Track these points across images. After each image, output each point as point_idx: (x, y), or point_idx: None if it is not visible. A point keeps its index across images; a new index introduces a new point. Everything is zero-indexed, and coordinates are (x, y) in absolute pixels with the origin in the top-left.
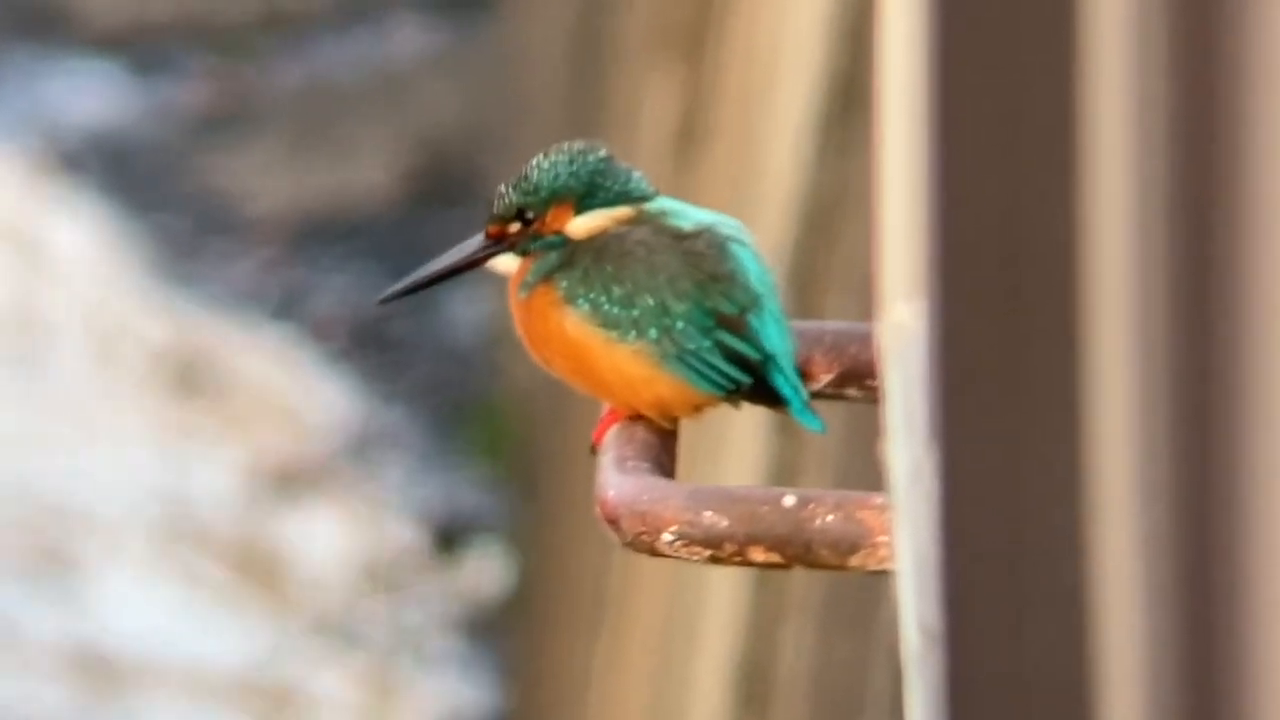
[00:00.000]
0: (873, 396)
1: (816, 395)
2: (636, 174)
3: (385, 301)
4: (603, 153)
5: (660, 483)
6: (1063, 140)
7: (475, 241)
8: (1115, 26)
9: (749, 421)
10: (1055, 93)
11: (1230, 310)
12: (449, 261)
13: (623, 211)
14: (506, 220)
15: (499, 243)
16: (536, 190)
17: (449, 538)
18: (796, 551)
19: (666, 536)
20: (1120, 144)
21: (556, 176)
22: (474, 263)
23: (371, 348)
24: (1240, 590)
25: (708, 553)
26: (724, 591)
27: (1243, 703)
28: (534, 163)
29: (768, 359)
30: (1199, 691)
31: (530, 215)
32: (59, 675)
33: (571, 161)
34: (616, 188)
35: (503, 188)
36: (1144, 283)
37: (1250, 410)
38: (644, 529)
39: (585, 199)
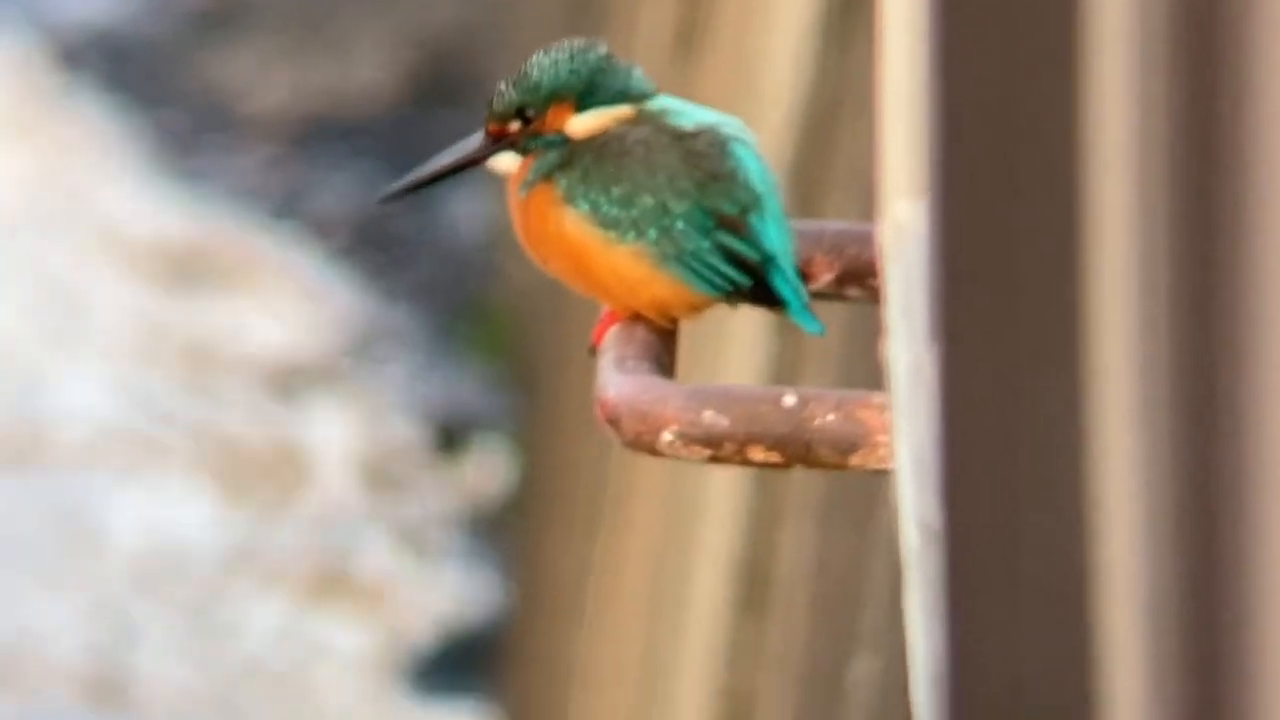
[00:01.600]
0: (873, 296)
1: (817, 295)
2: (637, 72)
3: (385, 200)
4: (603, 50)
5: (660, 382)
6: (1064, 40)
7: (475, 140)
8: None
9: (749, 321)
10: None
11: (1233, 202)
12: (449, 160)
13: (623, 110)
14: (506, 118)
15: (499, 141)
16: (537, 88)
17: (451, 435)
18: (796, 451)
19: (666, 436)
20: (1123, 45)
21: (557, 75)
22: (474, 161)
23: (373, 246)
24: (1240, 494)
25: (707, 452)
26: (723, 490)
27: (1244, 612)
28: (534, 60)
29: (767, 260)
30: (1198, 592)
31: (530, 113)
32: (61, 581)
33: (572, 59)
34: (617, 86)
35: (502, 85)
36: (1145, 180)
37: (1248, 305)
38: (644, 428)
39: (585, 97)
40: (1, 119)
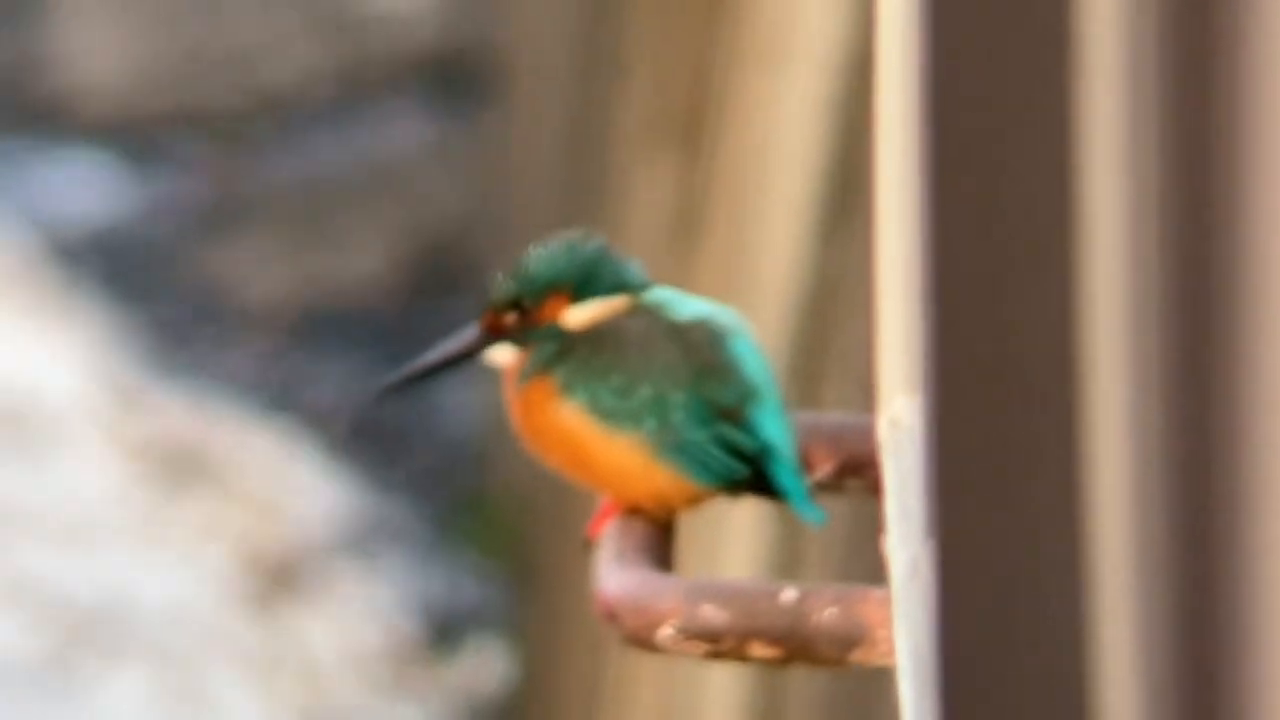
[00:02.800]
0: (873, 488)
1: (816, 487)
2: (633, 264)
3: (382, 394)
4: (599, 243)
5: (658, 577)
6: (1060, 236)
7: (472, 332)
8: (1111, 120)
9: (748, 513)
10: (1052, 185)
11: (1227, 411)
12: (445, 352)
13: (619, 302)
14: (503, 310)
15: (495, 333)
16: (533, 280)
17: (447, 631)
18: (796, 646)
19: (665, 631)
20: (1117, 239)
21: (553, 266)
22: (470, 353)
23: (369, 439)
24: (1244, 679)
25: (706, 647)
26: (723, 687)
27: None
28: (530, 253)
29: (766, 450)
30: None
31: (527, 305)
32: None
33: (568, 251)
34: (613, 278)
35: (499, 277)
36: (1141, 380)
37: (1253, 498)
38: (642, 623)
39: (581, 289)
40: None
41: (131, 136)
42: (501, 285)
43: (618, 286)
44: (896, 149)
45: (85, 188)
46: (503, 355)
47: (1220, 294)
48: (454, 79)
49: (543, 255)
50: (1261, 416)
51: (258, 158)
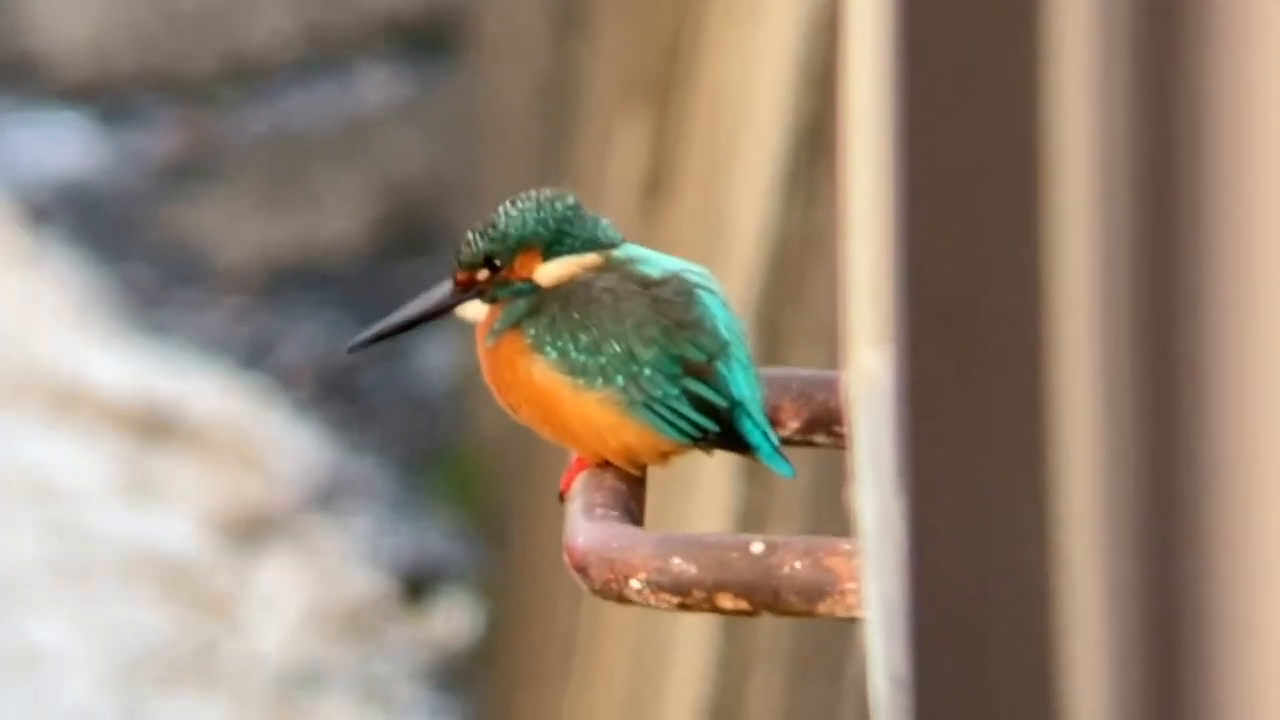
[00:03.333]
0: (840, 443)
1: (784, 442)
2: (604, 221)
3: (354, 350)
4: (570, 200)
5: (628, 530)
6: (1028, 187)
7: (443, 288)
8: (1079, 77)
9: (717, 468)
10: (1020, 140)
11: (1196, 356)
12: (417, 309)
13: (590, 258)
14: (474, 267)
15: (467, 290)
16: (504, 237)
17: (417, 586)
18: (764, 598)
19: (635, 584)
20: (1084, 191)
21: (524, 224)
22: (442, 310)
23: (339, 396)
24: (1208, 638)
25: (676, 600)
26: (692, 639)
27: None
28: (501, 210)
29: (735, 406)
30: None
31: (498, 262)
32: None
33: (539, 209)
34: (584, 235)
35: (470, 234)
36: (1109, 330)
37: (1220, 454)
38: (612, 576)
39: (553, 246)
40: None
41: (103, 97)
42: (473, 242)
43: (589, 243)
44: (864, 101)
45: (57, 148)
46: (474, 311)
47: (1189, 242)
48: (425, 39)
49: (514, 212)
50: (1232, 359)
51: (229, 118)
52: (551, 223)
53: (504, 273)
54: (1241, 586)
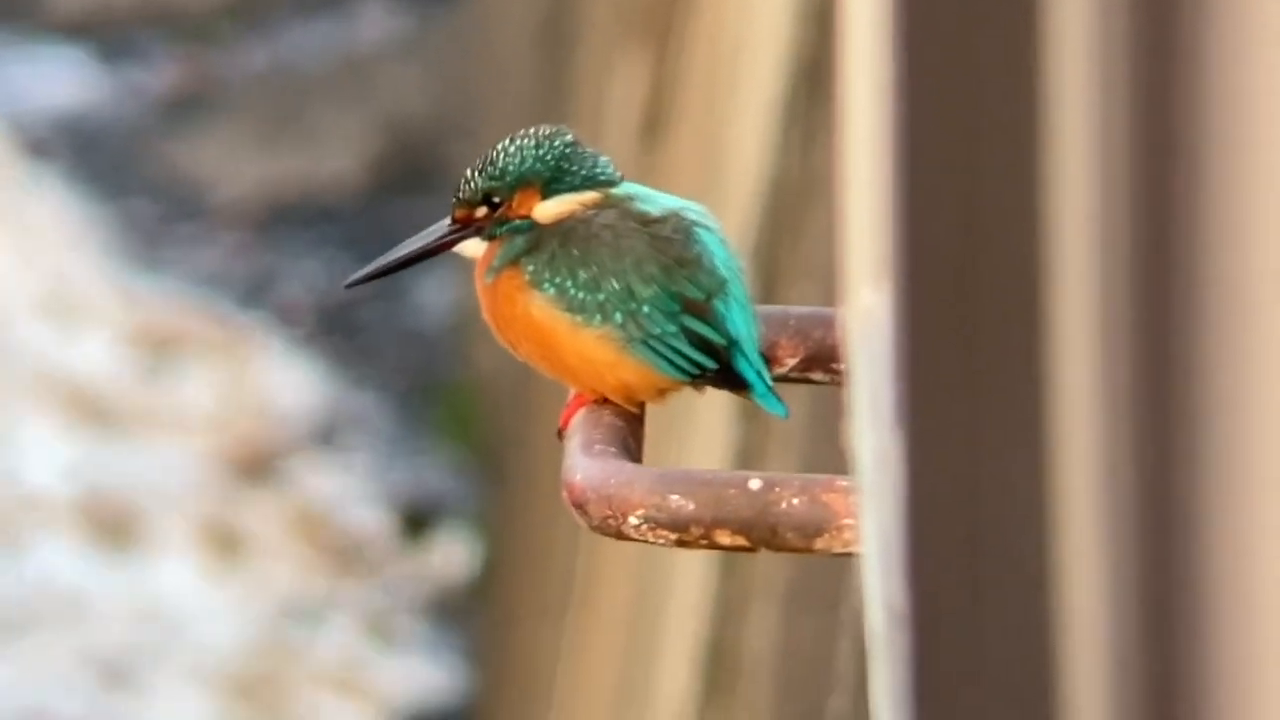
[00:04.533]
0: (837, 381)
1: (781, 379)
2: (603, 159)
3: (352, 285)
4: (569, 137)
5: (627, 466)
6: (1026, 124)
7: (441, 225)
8: (1079, 10)
9: (715, 405)
10: (1018, 77)
11: (1192, 292)
12: (416, 246)
13: (589, 196)
14: (473, 204)
15: (465, 227)
16: (503, 174)
17: (416, 522)
18: (762, 534)
19: (633, 520)
20: (1083, 128)
21: (523, 161)
22: (441, 247)
23: (338, 333)
24: (1202, 574)
25: (674, 536)
26: (690, 575)
27: (1205, 688)
28: (500, 147)
29: (732, 344)
30: (1161, 674)
31: (497, 199)
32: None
33: (538, 146)
34: (583, 172)
35: (469, 172)
36: (1107, 266)
37: (1213, 390)
38: (610, 512)
39: (552, 183)
40: None
41: (102, 32)
42: (471, 179)
43: (588, 181)
44: (863, 39)
45: (57, 83)
46: (472, 248)
47: (1189, 189)
48: None
49: (513, 149)
50: (1230, 314)
51: (227, 54)
52: (550, 160)
53: (503, 210)
54: (1240, 521)
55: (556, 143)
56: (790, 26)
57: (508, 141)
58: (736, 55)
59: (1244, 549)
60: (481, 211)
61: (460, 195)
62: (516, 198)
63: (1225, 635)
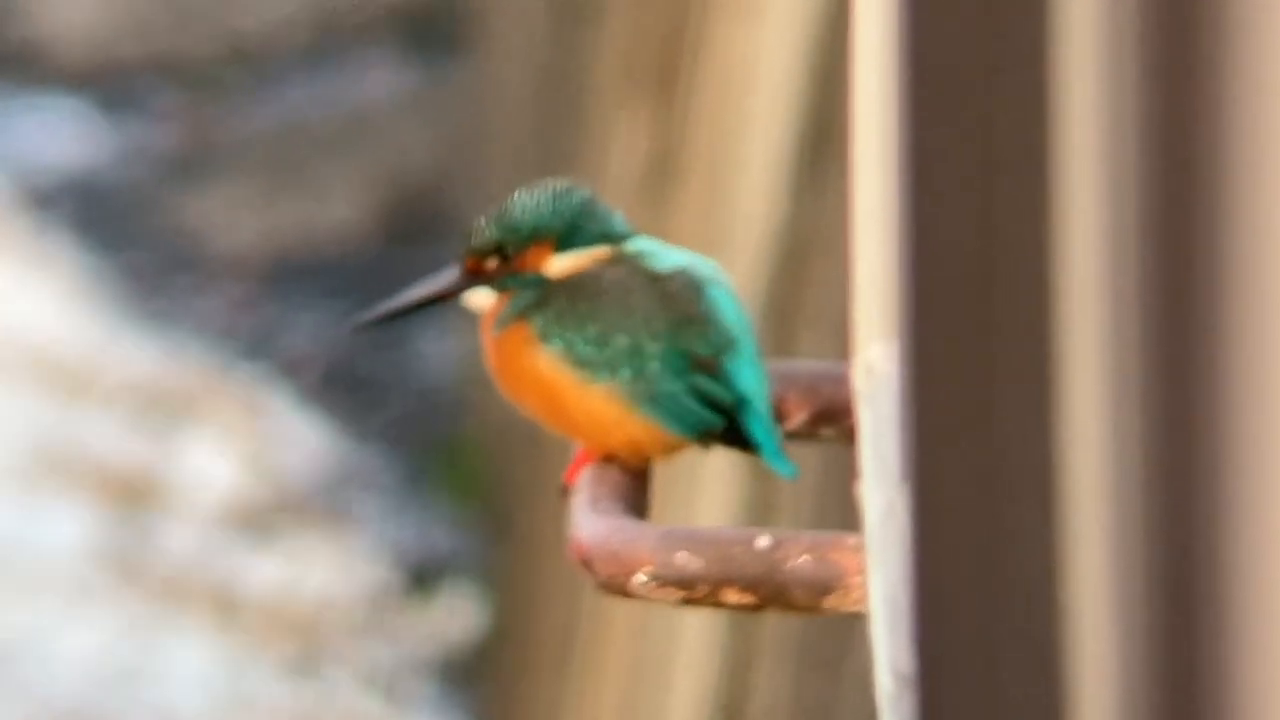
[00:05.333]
0: (847, 436)
1: (791, 435)
2: (616, 214)
3: (359, 328)
4: (585, 193)
5: (633, 524)
6: (1035, 184)
7: (451, 273)
8: (1087, 69)
9: (723, 461)
10: (1027, 137)
11: (1206, 356)
12: (424, 292)
13: (601, 251)
14: (485, 255)
15: (475, 277)
16: (517, 228)
17: (422, 578)
18: (769, 593)
19: (639, 578)
20: (1093, 189)
21: (539, 215)
22: (449, 294)
23: (343, 387)
24: (1218, 638)
25: (681, 594)
26: (697, 633)
27: None
28: (516, 198)
29: (741, 402)
30: None
31: (509, 252)
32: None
33: (554, 201)
34: (597, 228)
35: (482, 221)
36: (1117, 328)
37: (1227, 444)
38: (617, 570)
39: (566, 239)
40: None
41: (105, 84)
42: (484, 230)
43: (601, 236)
44: (873, 95)
45: (59, 135)
46: (481, 299)
47: (1198, 240)
48: (428, 27)
49: (529, 203)
50: (1242, 364)
51: (231, 106)
52: (566, 215)
53: (514, 263)
54: (1252, 582)
55: (573, 198)
56: (798, 80)
57: (523, 194)
58: (744, 107)
59: (1263, 611)
60: (493, 263)
61: (472, 245)
62: (529, 252)
63: (1242, 690)
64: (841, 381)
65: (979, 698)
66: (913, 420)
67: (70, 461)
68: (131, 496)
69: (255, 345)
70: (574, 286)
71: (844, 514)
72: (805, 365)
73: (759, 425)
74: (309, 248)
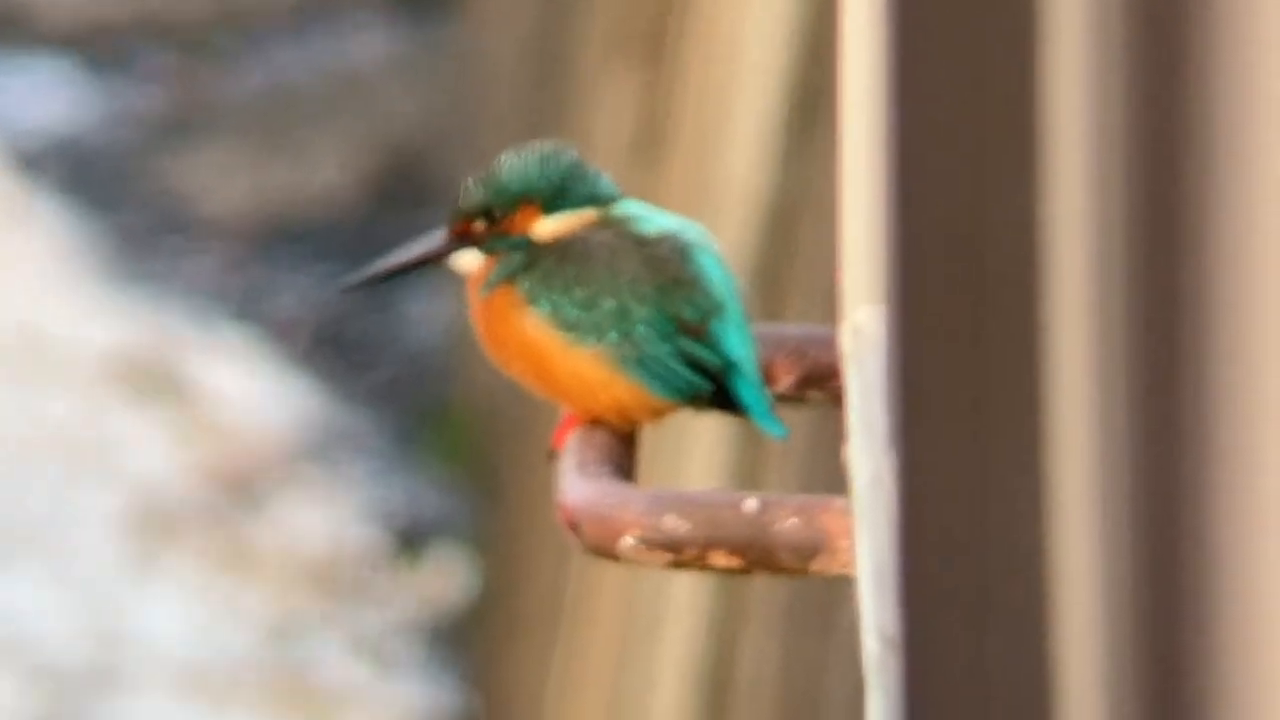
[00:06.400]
0: (835, 399)
1: (778, 398)
2: (604, 177)
3: (347, 290)
4: (573, 155)
5: (621, 487)
6: (1022, 145)
7: (439, 236)
8: (1075, 33)
9: (710, 425)
10: (1014, 97)
11: (1191, 313)
12: (412, 254)
13: (588, 214)
14: (472, 217)
15: (463, 239)
16: (505, 190)
17: (410, 541)
18: (757, 556)
19: (627, 541)
20: (1079, 148)
21: (526, 177)
22: (437, 257)
23: (332, 350)
24: (1202, 594)
25: (669, 557)
26: (684, 596)
27: (1204, 711)
28: (503, 161)
29: (729, 366)
30: (1158, 698)
31: (497, 214)
32: (21, 675)
33: (542, 163)
34: (584, 191)
35: (470, 184)
36: (1104, 287)
37: (1212, 414)
38: (605, 533)
39: (553, 201)
40: None
41: (93, 46)
42: (472, 192)
43: (588, 199)
44: (861, 60)
45: (47, 97)
46: (469, 261)
47: (1184, 206)
48: None
49: (516, 165)
50: (1225, 331)
51: (220, 68)
52: (553, 177)
53: (502, 225)
54: (1237, 541)
55: (560, 160)
56: (785, 45)
57: (511, 156)
58: (731, 73)
59: (1247, 563)
60: (480, 225)
61: (459, 207)
62: (517, 214)
63: (1226, 657)
64: (829, 345)
65: (965, 661)
66: (899, 384)
67: (54, 425)
68: (118, 460)
69: (244, 308)
70: (561, 249)
71: (831, 477)
72: (793, 329)
73: (747, 388)
74: (297, 211)
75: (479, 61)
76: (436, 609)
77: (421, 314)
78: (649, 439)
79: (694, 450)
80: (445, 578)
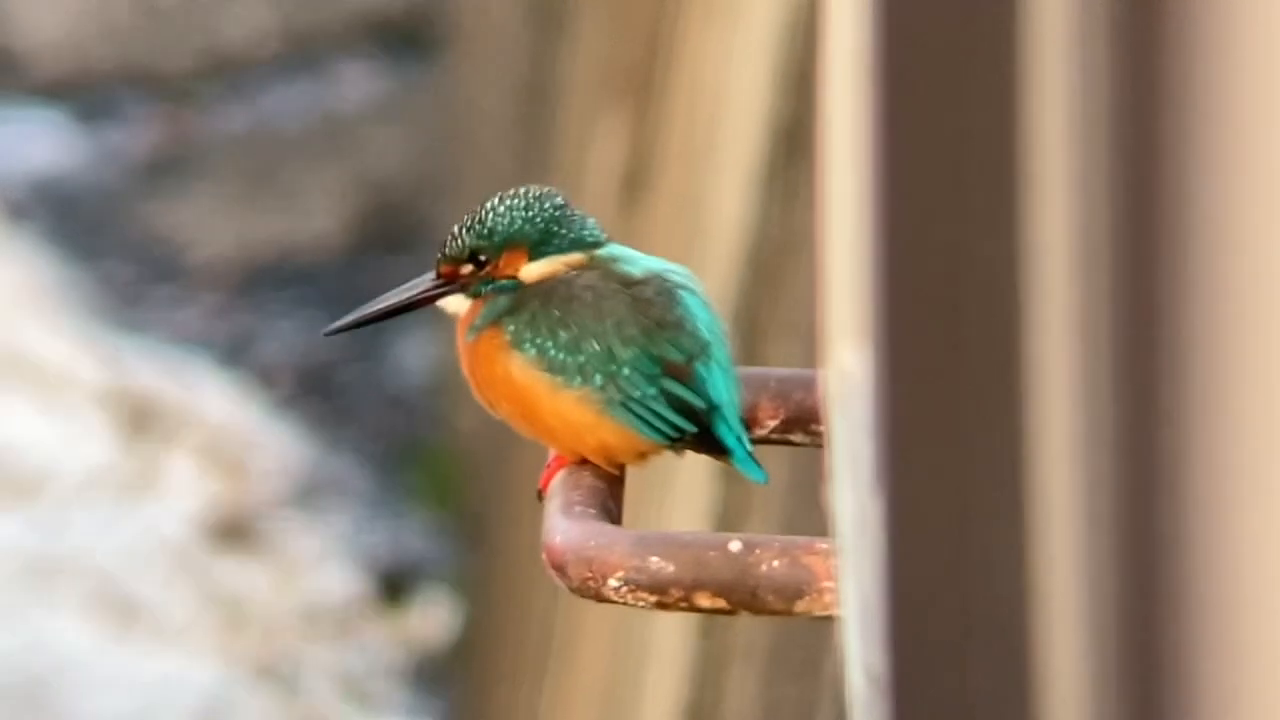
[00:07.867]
0: (818, 442)
1: (762, 441)
2: (591, 221)
3: (333, 333)
4: (559, 199)
5: (606, 528)
6: (1006, 189)
7: (426, 279)
8: (1058, 81)
9: (695, 467)
10: (998, 141)
11: (1174, 362)
12: (399, 298)
13: (575, 257)
14: (459, 261)
15: (450, 282)
16: (491, 234)
17: (395, 585)
18: (742, 597)
19: (613, 582)
20: (1064, 186)
21: (512, 222)
22: (424, 300)
23: (318, 394)
24: (1183, 637)
25: (654, 598)
26: (670, 638)
27: None
28: (489, 205)
29: (713, 408)
30: None
31: (483, 258)
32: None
33: (528, 207)
34: (571, 235)
35: (457, 228)
36: (1089, 331)
37: (1196, 454)
38: (590, 575)
39: (540, 245)
40: None
41: (81, 93)
42: (459, 236)
43: (575, 243)
44: (844, 99)
45: (34, 144)
46: (455, 305)
47: (1169, 244)
48: (403, 34)
49: (503, 210)
50: (1211, 362)
51: (207, 114)
52: (540, 222)
53: (489, 269)
54: (1223, 587)
55: (546, 205)
56: (770, 87)
57: (497, 200)
58: (716, 114)
59: (1237, 605)
60: (467, 269)
61: (446, 251)
62: (503, 258)
63: (1213, 695)
64: (812, 387)
65: (951, 699)
66: (884, 426)
67: (41, 469)
68: (106, 503)
69: (230, 353)
70: (546, 292)
71: (814, 518)
72: (777, 371)
73: (730, 431)
74: (284, 255)
75: (465, 104)
76: (421, 651)
77: (407, 358)
78: (635, 481)
79: (679, 492)
80: (430, 620)
